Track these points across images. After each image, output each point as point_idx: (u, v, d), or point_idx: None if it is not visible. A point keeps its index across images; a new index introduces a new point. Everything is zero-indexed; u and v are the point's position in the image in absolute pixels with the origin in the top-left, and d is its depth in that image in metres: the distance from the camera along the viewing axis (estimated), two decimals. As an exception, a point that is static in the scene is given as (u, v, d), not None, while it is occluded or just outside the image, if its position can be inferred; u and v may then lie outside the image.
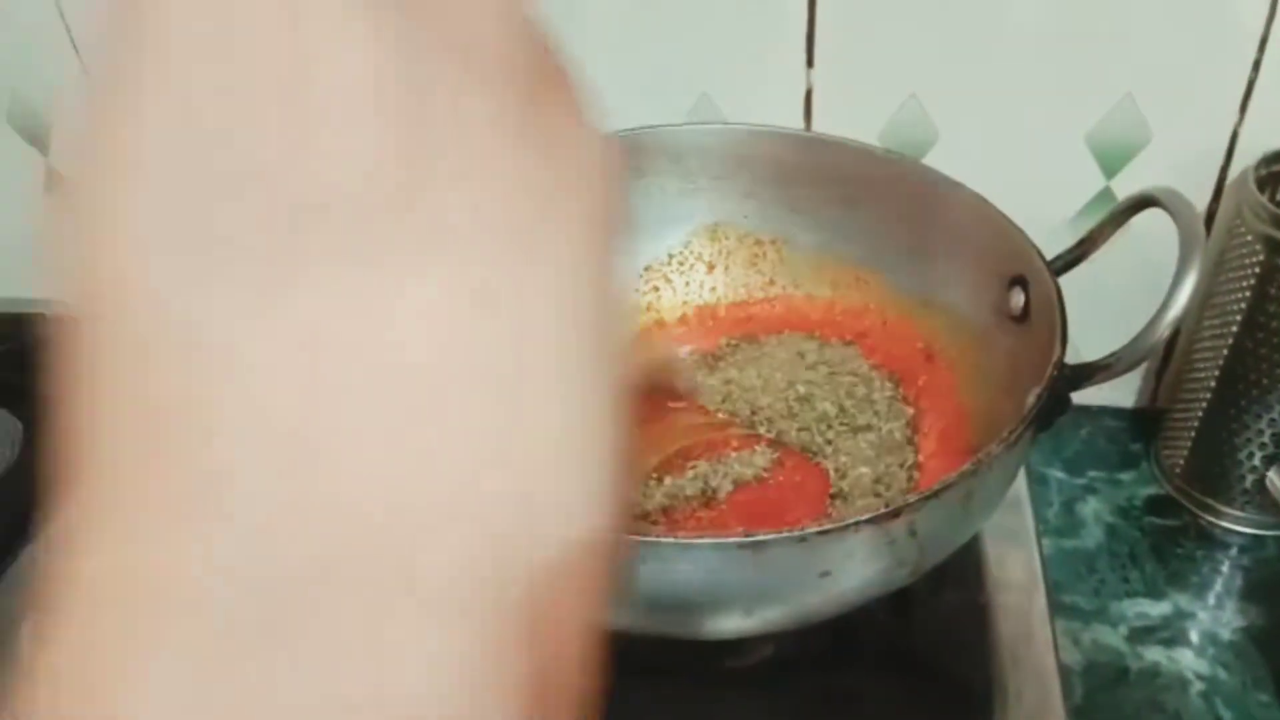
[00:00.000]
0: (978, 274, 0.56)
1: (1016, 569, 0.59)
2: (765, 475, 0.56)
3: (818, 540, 0.40)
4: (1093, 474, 0.73)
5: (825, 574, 0.42)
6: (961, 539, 0.47)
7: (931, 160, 0.69)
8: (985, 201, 0.55)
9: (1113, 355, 0.46)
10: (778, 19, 0.67)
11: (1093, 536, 0.69)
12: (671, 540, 0.40)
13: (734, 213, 0.65)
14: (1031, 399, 0.45)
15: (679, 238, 0.66)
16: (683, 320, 0.68)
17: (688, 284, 0.67)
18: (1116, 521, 0.70)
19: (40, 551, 0.60)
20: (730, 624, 0.44)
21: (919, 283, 0.61)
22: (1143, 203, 0.50)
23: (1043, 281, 0.50)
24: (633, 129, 0.63)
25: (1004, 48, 0.64)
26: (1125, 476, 0.73)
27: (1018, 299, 0.53)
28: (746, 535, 0.40)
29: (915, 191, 0.59)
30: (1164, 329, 0.45)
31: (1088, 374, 0.47)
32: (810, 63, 0.69)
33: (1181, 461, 0.69)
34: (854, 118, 0.70)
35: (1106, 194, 0.67)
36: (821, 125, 0.71)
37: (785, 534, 0.40)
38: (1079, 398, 0.76)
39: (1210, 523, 0.69)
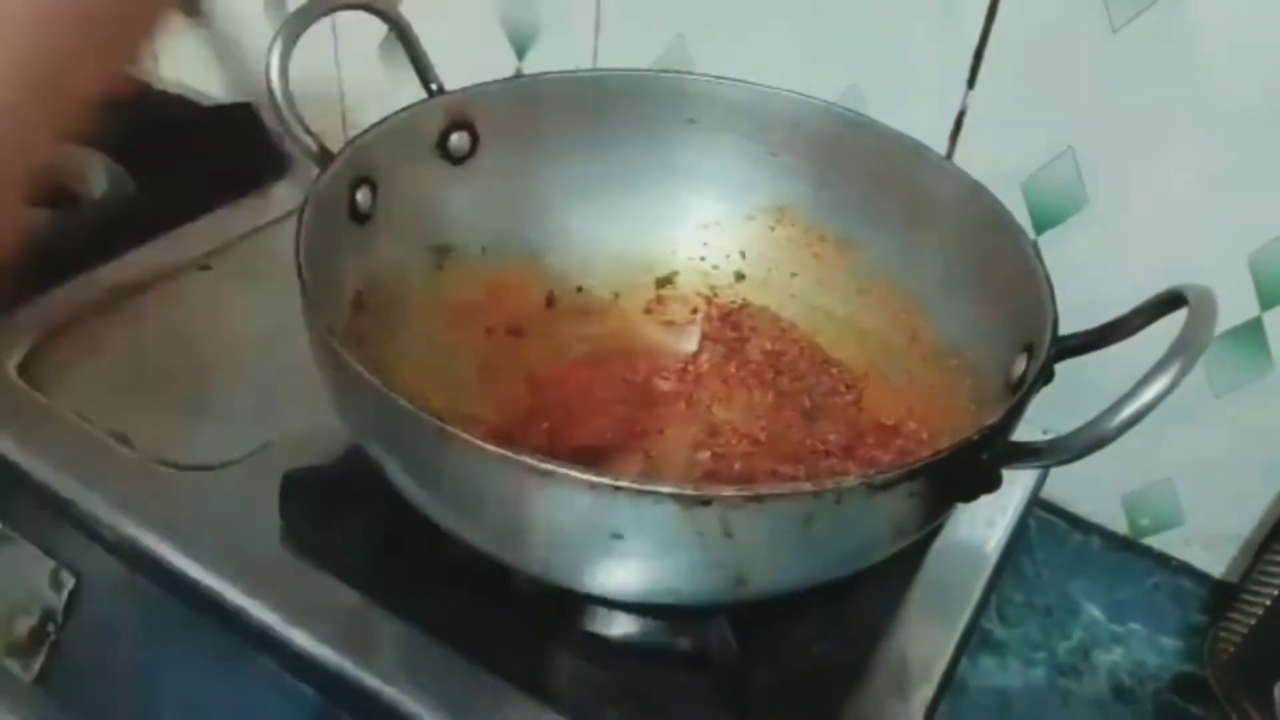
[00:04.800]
0: (1004, 332, 0.49)
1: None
2: None
3: (607, 493, 0.37)
4: (1134, 626, 0.63)
5: (617, 536, 0.38)
6: (808, 575, 0.42)
7: (1077, 221, 0.62)
8: (1035, 256, 0.48)
9: (1045, 441, 0.39)
10: (952, 26, 0.62)
11: (1092, 688, 0.60)
12: (468, 439, 0.38)
13: (807, 199, 0.61)
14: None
15: (742, 209, 0.63)
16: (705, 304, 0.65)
17: (720, 263, 0.64)
18: (1132, 685, 0.60)
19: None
20: (523, 561, 0.42)
21: (958, 335, 0.55)
22: (1174, 301, 0.42)
23: (1041, 360, 0.44)
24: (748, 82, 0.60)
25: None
26: (1169, 643, 0.62)
27: (1019, 367, 0.46)
28: (543, 460, 0.37)
29: (982, 229, 0.52)
30: (1115, 426, 0.37)
31: (1015, 455, 0.40)
32: (972, 84, 0.63)
33: (1232, 649, 0.59)
34: (999, 153, 0.64)
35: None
36: (965, 150, 0.65)
37: (578, 472, 0.37)
38: (1160, 543, 0.67)
39: (1235, 727, 0.58)
